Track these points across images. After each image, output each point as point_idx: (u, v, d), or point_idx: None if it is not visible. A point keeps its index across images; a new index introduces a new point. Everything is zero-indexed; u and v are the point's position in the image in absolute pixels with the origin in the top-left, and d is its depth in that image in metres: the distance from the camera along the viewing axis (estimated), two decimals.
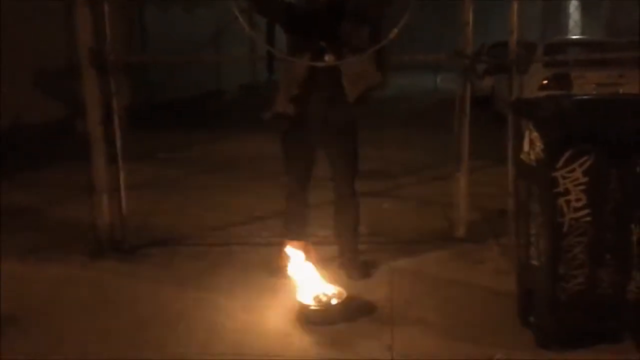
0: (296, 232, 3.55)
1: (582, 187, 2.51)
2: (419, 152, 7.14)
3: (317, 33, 3.22)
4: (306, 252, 3.59)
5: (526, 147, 2.75)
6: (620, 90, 7.00)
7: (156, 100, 10.30)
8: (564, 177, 2.50)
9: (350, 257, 3.53)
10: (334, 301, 3.06)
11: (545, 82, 7.60)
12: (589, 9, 15.56)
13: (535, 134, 2.64)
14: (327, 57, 3.21)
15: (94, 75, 3.80)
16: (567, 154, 2.49)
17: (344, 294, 3.09)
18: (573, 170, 2.50)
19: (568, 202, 2.52)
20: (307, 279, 3.16)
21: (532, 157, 2.67)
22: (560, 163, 2.49)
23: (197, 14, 12.43)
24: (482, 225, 4.32)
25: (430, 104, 11.57)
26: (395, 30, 3.17)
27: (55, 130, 7.71)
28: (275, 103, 3.35)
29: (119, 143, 3.95)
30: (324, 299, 3.07)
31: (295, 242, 3.55)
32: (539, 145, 2.60)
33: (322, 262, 3.52)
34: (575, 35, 14.92)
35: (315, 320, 3.00)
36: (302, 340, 2.88)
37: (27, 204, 5.10)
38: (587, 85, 7.55)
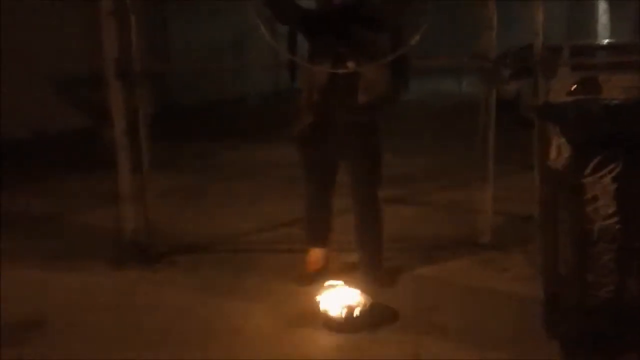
0: (318, 239, 3.53)
1: (611, 194, 2.45)
2: (442, 158, 7.09)
3: (336, 39, 3.22)
4: (329, 259, 3.59)
5: (553, 153, 2.70)
6: None
7: (179, 108, 10.39)
8: (593, 184, 2.45)
9: (373, 264, 3.50)
10: (357, 308, 3.04)
11: (573, 87, 7.49)
12: (617, 11, 15.34)
13: (562, 140, 2.59)
14: (349, 64, 3.20)
15: (119, 85, 3.84)
16: (595, 160, 2.44)
17: (368, 302, 3.07)
18: (602, 177, 2.44)
19: (597, 209, 2.47)
20: (331, 286, 3.15)
21: (560, 163, 2.62)
22: (589, 169, 2.44)
23: (219, 21, 12.53)
24: (507, 232, 4.26)
25: (455, 108, 11.45)
26: (417, 37, 3.16)
27: (78, 139, 7.82)
28: (298, 120, 3.34)
29: (144, 151, 3.99)
30: (348, 306, 3.05)
31: (318, 250, 3.54)
32: (566, 151, 2.55)
33: (346, 269, 3.51)
34: (602, 38, 14.72)
35: (339, 327, 2.98)
36: (326, 347, 2.87)
37: (51, 212, 5.17)
38: (614, 89, 7.40)
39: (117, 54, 3.81)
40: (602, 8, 16.23)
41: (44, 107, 7.64)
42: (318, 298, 3.10)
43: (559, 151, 2.64)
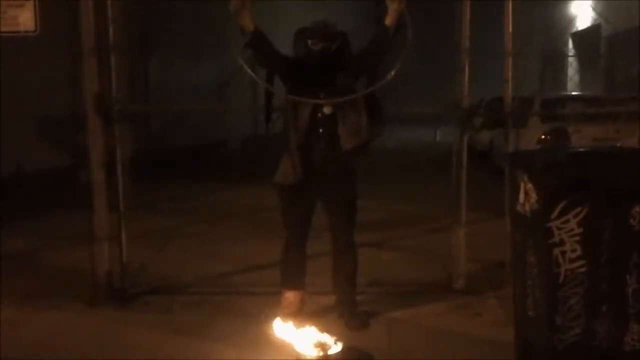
0: (293, 282, 3.56)
1: (577, 238, 2.53)
2: (418, 204, 7.18)
3: (315, 84, 3.31)
4: (303, 302, 3.60)
5: (521, 198, 2.79)
6: (618, 144, 7.11)
7: (158, 151, 10.41)
8: (559, 228, 2.53)
9: (348, 307, 3.52)
10: (332, 351, 3.03)
11: (543, 136, 7.71)
12: (587, 66, 15.88)
13: (530, 185, 2.69)
14: (325, 109, 3.29)
15: (99, 124, 3.88)
16: (561, 205, 2.52)
17: (342, 345, 3.07)
18: (568, 221, 2.53)
19: (563, 252, 2.54)
20: (305, 329, 3.15)
21: (527, 208, 2.71)
22: (555, 213, 2.53)
23: (200, 66, 12.70)
24: (481, 277, 4.32)
25: (430, 157, 11.67)
26: (392, 73, 3.26)
27: (57, 179, 7.78)
28: (281, 166, 3.40)
29: (121, 191, 4.01)
30: (322, 349, 3.05)
31: (292, 292, 3.55)
32: (533, 196, 2.64)
33: (320, 312, 3.52)
34: (572, 91, 15.21)
35: None
36: None
37: (26, 250, 5.13)
38: (584, 139, 7.65)
39: (98, 92, 3.86)
40: (573, 66, 16.82)
41: (22, 146, 7.61)
42: (292, 341, 3.10)
43: (527, 196, 2.73)
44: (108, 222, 3.93)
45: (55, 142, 8.15)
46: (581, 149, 2.90)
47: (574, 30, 17.18)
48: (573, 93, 12.44)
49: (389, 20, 3.31)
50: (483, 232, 4.79)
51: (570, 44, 17.60)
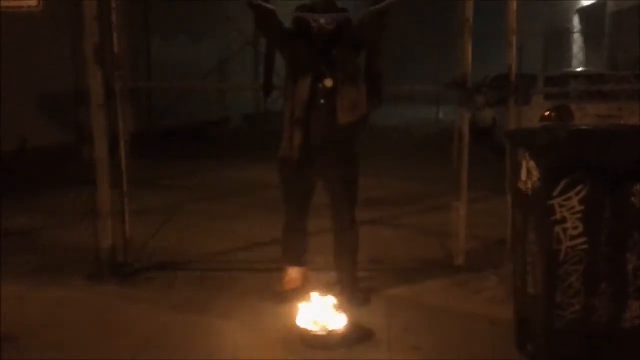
0: (295, 257, 3.58)
1: (578, 215, 2.54)
2: (419, 182, 7.18)
3: (316, 58, 3.31)
4: (305, 278, 3.63)
5: (523, 176, 2.79)
6: (622, 122, 7.10)
7: (160, 128, 10.41)
8: (561, 205, 2.54)
9: (349, 284, 3.55)
10: (333, 327, 3.07)
11: (546, 113, 7.68)
12: (591, 43, 15.75)
13: (531, 163, 2.69)
14: (326, 81, 3.30)
15: (101, 102, 3.87)
16: (563, 182, 2.53)
17: (344, 320, 3.11)
18: (569, 199, 2.54)
19: (565, 229, 2.55)
20: (306, 304, 3.18)
21: (529, 185, 2.72)
22: (557, 191, 2.54)
23: (202, 43, 12.64)
24: (481, 254, 4.34)
25: (432, 135, 11.64)
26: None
27: (60, 155, 7.79)
28: (282, 140, 3.41)
29: (124, 169, 4.01)
30: (323, 324, 3.08)
31: (294, 268, 3.58)
32: (535, 174, 2.65)
33: (321, 288, 3.54)
34: (577, 68, 15.10)
35: (314, 344, 3.01)
36: None
37: (29, 227, 5.14)
38: (587, 117, 7.63)
39: (100, 70, 3.83)
40: (578, 43, 16.68)
41: (26, 121, 7.61)
42: (293, 316, 3.13)
43: (529, 174, 2.73)
44: (111, 199, 3.94)
45: (58, 118, 8.15)
46: (583, 127, 2.89)
47: (579, 6, 17.01)
48: (576, 70, 12.37)
49: None
50: (484, 210, 4.80)
51: (576, 21, 17.44)
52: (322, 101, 3.31)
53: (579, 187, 2.53)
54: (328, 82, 3.30)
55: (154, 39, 11.10)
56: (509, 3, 3.98)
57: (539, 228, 2.64)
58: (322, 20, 3.30)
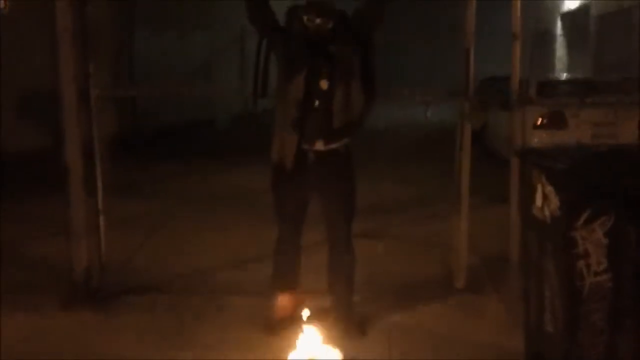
0: (287, 284, 3.32)
1: (603, 250, 2.31)
2: (411, 186, 6.97)
3: (311, 58, 3.10)
4: (298, 304, 3.37)
5: (538, 201, 2.55)
6: (619, 130, 6.95)
7: (144, 129, 10.08)
8: (584, 238, 2.31)
9: (345, 312, 3.29)
10: None
11: (539, 121, 7.48)
12: (576, 47, 15.68)
13: (549, 188, 2.45)
14: (321, 82, 3.08)
15: (76, 109, 3.59)
16: (586, 213, 2.30)
17: (340, 354, 2.85)
18: (593, 231, 2.30)
19: (588, 265, 2.33)
20: (299, 336, 2.92)
21: (547, 213, 2.48)
22: (579, 222, 2.30)
23: (187, 40, 12.30)
24: (481, 272, 4.14)
25: (422, 136, 11.43)
26: None
27: (40, 159, 7.43)
28: (275, 144, 3.18)
29: (100, 180, 3.73)
30: (318, 359, 2.83)
31: (285, 295, 3.32)
32: (554, 201, 2.41)
33: (315, 315, 3.28)
34: (562, 72, 15.01)
35: None
36: None
37: (3, 239, 4.81)
38: (582, 124, 7.44)
39: (75, 72, 3.56)
40: (562, 48, 16.64)
41: (3, 124, 7.28)
42: (285, 349, 2.87)
43: (546, 200, 2.49)
44: (85, 214, 3.65)
45: (36, 120, 7.80)
46: (605, 149, 2.66)
47: (563, 10, 16.92)
48: (569, 76, 12.23)
49: None
50: (478, 220, 4.55)
51: (560, 25, 17.37)
52: (317, 103, 3.09)
53: (603, 218, 2.30)
54: (323, 84, 3.09)
55: (138, 36, 10.74)
56: (513, 4, 3.76)
57: (559, 261, 2.41)
58: (318, 20, 3.07)
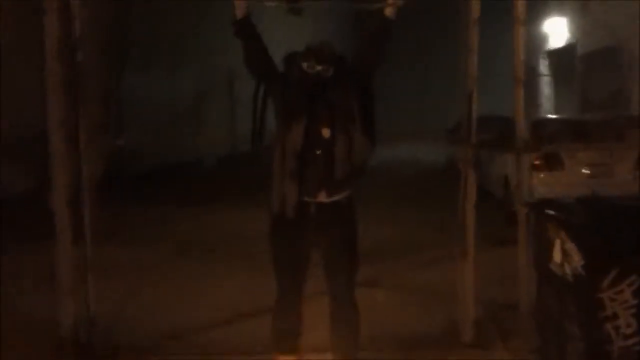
0: (287, 346, 3.11)
1: (632, 311, 2.17)
2: (407, 228, 6.84)
3: (311, 104, 2.99)
4: None
5: (557, 257, 2.42)
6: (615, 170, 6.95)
7: (131, 170, 9.91)
8: (612, 299, 2.17)
9: None
10: None
11: (535, 162, 7.42)
12: (562, 85, 15.87)
13: (570, 245, 2.32)
14: (323, 131, 2.96)
15: (63, 154, 3.45)
16: (613, 272, 2.16)
17: None
18: (622, 292, 2.17)
19: (617, 328, 2.18)
20: None
21: (568, 271, 2.34)
22: (606, 283, 2.16)
23: (177, 79, 12.26)
24: (489, 324, 3.94)
25: (415, 176, 11.36)
26: None
27: (25, 203, 7.20)
28: (271, 200, 3.02)
29: (88, 229, 3.54)
30: None
31: (286, 356, 3.11)
32: (576, 259, 2.27)
33: None
34: (549, 110, 15.12)
35: None
36: None
37: None
38: (578, 165, 7.41)
39: (63, 116, 3.44)
40: (547, 86, 16.85)
41: None
42: None
43: (566, 257, 2.35)
44: (72, 269, 3.45)
45: (24, 162, 7.62)
46: (626, 202, 2.53)
47: (548, 49, 17.15)
48: (559, 115, 12.29)
49: (388, 12, 3.09)
50: (481, 263, 4.41)
51: (542, 64, 17.59)
52: (318, 152, 2.95)
53: (632, 278, 2.16)
54: (325, 132, 2.96)
55: (127, 75, 10.67)
56: (515, 49, 3.69)
57: (584, 323, 2.26)
58: (318, 67, 2.96)
